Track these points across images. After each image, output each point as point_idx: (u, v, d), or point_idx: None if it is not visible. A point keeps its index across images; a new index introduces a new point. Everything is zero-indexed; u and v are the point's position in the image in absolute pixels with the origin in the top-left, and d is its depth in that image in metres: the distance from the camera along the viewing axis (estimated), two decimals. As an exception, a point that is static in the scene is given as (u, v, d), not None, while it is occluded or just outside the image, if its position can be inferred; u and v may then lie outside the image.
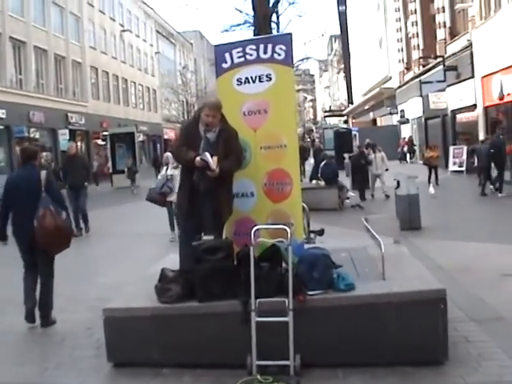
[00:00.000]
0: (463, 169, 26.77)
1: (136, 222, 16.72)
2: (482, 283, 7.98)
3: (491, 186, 18.59)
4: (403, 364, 5.17)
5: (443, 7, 29.42)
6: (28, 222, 6.67)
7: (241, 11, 21.50)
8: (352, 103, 63.81)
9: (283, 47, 6.24)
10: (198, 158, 5.75)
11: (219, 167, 5.76)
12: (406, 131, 42.68)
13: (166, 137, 64.42)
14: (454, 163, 27.76)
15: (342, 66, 73.01)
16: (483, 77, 23.28)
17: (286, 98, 6.32)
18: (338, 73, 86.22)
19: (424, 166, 23.49)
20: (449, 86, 28.38)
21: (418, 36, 36.41)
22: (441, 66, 28.92)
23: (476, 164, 22.96)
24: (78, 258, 8.66)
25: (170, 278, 5.38)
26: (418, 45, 36.27)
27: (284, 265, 5.48)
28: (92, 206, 16.33)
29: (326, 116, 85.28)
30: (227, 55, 6.41)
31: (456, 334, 5.72)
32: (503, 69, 20.69)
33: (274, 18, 23.37)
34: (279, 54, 6.25)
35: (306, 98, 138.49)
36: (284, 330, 5.02)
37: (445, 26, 29.55)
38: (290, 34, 6.36)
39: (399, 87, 42.38)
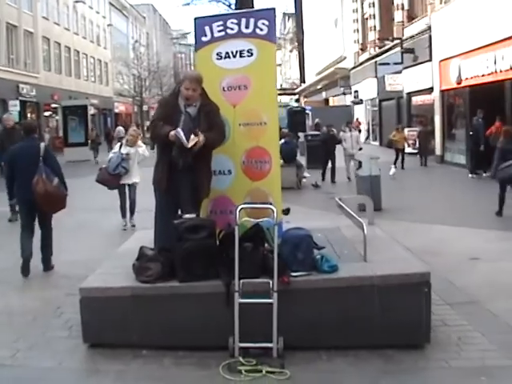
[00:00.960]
0: (416, 151, 27.02)
1: (91, 197, 16.25)
2: (452, 267, 8.04)
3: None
4: (385, 347, 5.16)
5: (402, -11, 29.53)
6: (28, 188, 7.73)
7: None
8: (304, 82, 63.77)
9: (266, 22, 6.07)
10: (172, 132, 5.54)
11: (205, 137, 5.57)
12: (360, 112, 42.92)
13: (116, 111, 63.43)
14: (408, 145, 27.97)
15: (295, 44, 72.84)
16: (441, 60, 23.43)
17: (267, 74, 6.16)
18: (291, 51, 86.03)
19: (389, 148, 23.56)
20: (405, 68, 28.54)
21: (374, 17, 36.50)
22: (398, 48, 29.05)
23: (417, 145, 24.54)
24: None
25: (150, 256, 5.21)
26: (375, 26, 36.38)
27: (266, 245, 5.39)
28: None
29: (278, 94, 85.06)
30: (207, 28, 6.20)
31: (434, 318, 5.68)
32: (462, 53, 20.84)
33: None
34: (261, 29, 6.07)
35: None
36: (267, 311, 4.94)
37: (403, 9, 29.66)
38: (274, 9, 6.18)
39: (354, 68, 42.52)
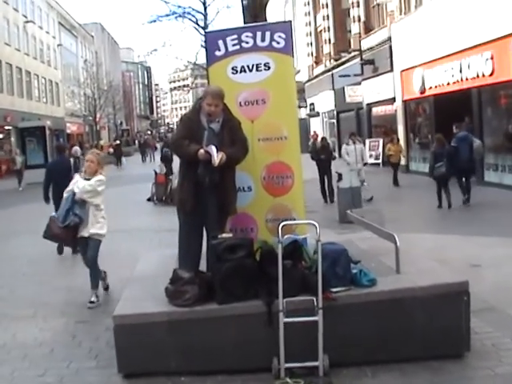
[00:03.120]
0: (379, 161, 27.30)
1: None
2: (457, 274, 8.03)
3: None
4: (427, 358, 5.08)
5: (358, 2, 29.87)
6: (63, 190, 8.33)
7: (166, 2, 21.32)
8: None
9: (282, 35, 5.99)
10: (201, 151, 5.43)
11: (227, 154, 5.46)
12: (316, 124, 43.17)
13: (68, 131, 62.41)
14: (371, 156, 28.17)
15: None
16: (403, 71, 23.76)
17: (286, 87, 6.09)
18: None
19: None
20: (365, 79, 28.86)
21: (328, 30, 36.84)
22: (356, 60, 29.38)
23: None
24: (19, 259, 8.39)
25: (186, 279, 5.01)
26: (329, 39, 36.72)
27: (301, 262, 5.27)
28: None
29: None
30: (221, 42, 6.07)
31: (463, 326, 5.66)
32: (425, 63, 21.17)
33: (201, 8, 23.09)
34: (278, 43, 5.99)
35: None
36: (310, 329, 4.81)
37: (359, 21, 30.02)
38: (290, 22, 6.13)
39: (308, 81, 42.86)
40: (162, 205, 18.16)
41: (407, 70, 23.18)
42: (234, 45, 6.05)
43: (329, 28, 36.84)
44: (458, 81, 18.94)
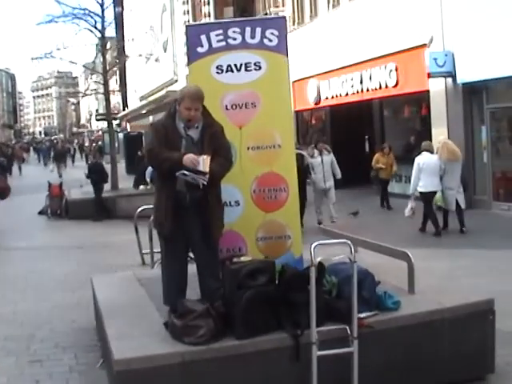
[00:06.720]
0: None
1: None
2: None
3: None
4: (451, 382, 4.71)
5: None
6: None
7: (59, 2, 20.02)
8: (127, 107, 62.22)
9: (275, 32, 5.44)
10: (189, 155, 4.64)
11: (209, 170, 4.68)
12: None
13: None
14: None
15: (115, 70, 71.12)
16: (295, 81, 23.66)
17: (279, 90, 5.50)
18: (110, 77, 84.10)
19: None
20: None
21: (210, 40, 36.35)
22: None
23: None
24: None
25: (200, 311, 4.25)
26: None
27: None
28: None
29: (99, 119, 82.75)
30: (203, 38, 5.38)
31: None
32: (320, 74, 21.16)
33: (99, 10, 21.83)
34: (270, 40, 5.42)
35: (68, 101, 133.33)
36: (340, 361, 4.27)
37: (246, 31, 29.80)
38: (284, 18, 5.57)
39: (189, 91, 42.07)
40: (57, 218, 16.83)
41: (300, 80, 23.06)
42: (218, 41, 5.39)
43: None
44: (357, 91, 19.01)
